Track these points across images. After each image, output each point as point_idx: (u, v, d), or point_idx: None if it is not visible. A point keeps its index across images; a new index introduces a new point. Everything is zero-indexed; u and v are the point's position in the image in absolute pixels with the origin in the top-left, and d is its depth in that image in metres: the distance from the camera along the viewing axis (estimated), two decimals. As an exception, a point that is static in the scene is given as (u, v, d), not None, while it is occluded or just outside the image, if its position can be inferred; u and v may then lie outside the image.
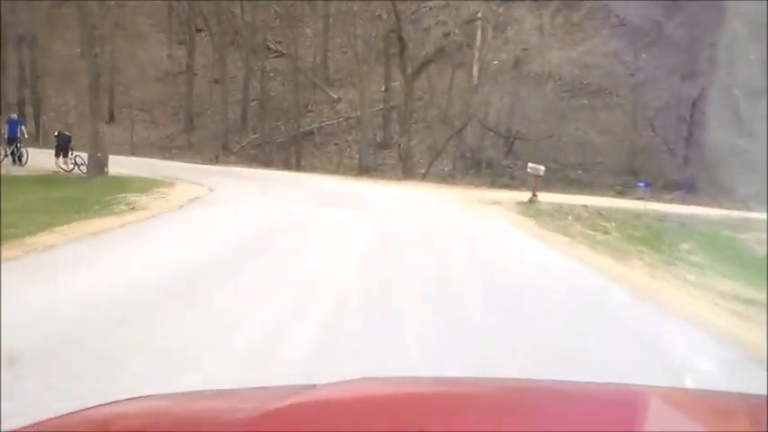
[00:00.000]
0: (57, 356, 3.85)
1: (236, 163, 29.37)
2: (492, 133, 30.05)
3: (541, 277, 7.55)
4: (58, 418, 1.12)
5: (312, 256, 7.96)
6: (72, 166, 19.35)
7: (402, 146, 28.15)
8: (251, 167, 27.47)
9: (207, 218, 11.29)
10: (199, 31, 36.16)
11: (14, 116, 21.94)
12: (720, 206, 18.88)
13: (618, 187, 28.64)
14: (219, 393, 1.48)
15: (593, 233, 12.59)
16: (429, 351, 4.34)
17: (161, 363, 3.86)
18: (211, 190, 15.91)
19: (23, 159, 19.70)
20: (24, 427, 1.07)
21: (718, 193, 20.31)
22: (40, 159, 19.70)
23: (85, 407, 1.16)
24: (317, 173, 27.56)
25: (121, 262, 7.10)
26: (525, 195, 19.49)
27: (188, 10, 35.34)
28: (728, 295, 7.01)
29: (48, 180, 17.39)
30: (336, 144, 31.38)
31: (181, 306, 5.24)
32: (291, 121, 30.84)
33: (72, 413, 1.14)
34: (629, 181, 27.99)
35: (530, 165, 18.83)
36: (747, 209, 15.60)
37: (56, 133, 20.29)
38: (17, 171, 18.76)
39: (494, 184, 27.49)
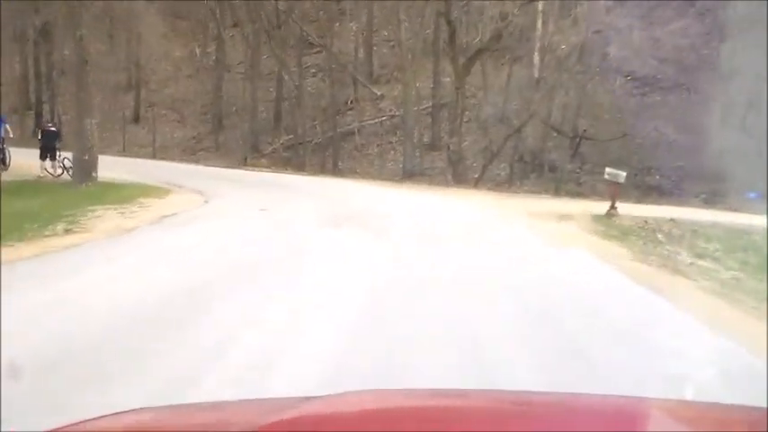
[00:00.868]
0: None
1: (267, 166, 26.32)
2: (555, 134, 26.23)
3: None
4: (53, 430, 1.09)
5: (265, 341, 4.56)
6: (60, 170, 16.53)
7: (452, 147, 24.50)
8: (281, 172, 24.37)
9: (149, 252, 7.99)
10: (234, 25, 33.53)
11: None
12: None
13: (704, 195, 24.91)
14: (216, 406, 1.49)
15: (712, 267, 8.90)
16: None
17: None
18: (206, 202, 12.81)
19: (7, 162, 16.91)
20: None
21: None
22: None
23: (81, 420, 1.13)
24: (355, 178, 24.28)
25: None
26: (598, 206, 16.01)
27: (221, 3, 32.72)
28: None
29: (23, 187, 14.58)
30: (379, 145, 28.01)
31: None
32: (329, 120, 27.57)
33: (66, 426, 1.12)
34: (718, 188, 24.15)
35: (608, 170, 15.12)
36: None
37: (39, 130, 17.22)
38: (-4, 175, 16.03)
39: (558, 191, 23.78)
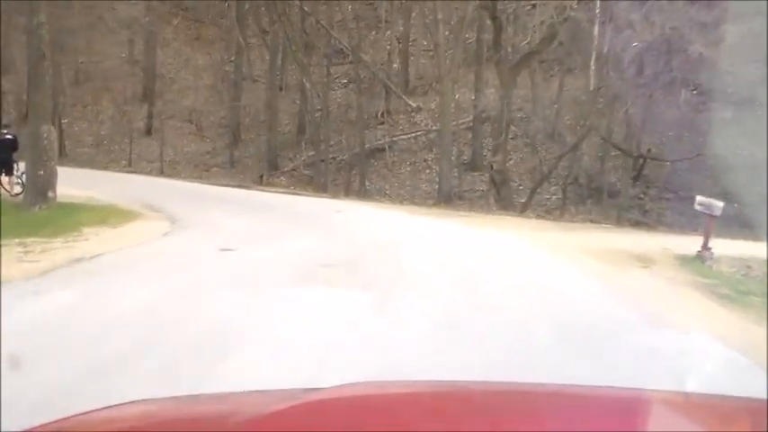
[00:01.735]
0: None
1: (285, 186, 23.37)
2: (615, 152, 22.73)
3: None
4: (54, 422, 1.10)
5: None
6: (20, 187, 13.72)
7: (495, 167, 21.08)
8: (299, 193, 21.31)
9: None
10: (265, 32, 30.94)
11: None
12: None
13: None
14: (218, 397, 1.47)
15: None
16: None
17: None
18: (166, 234, 9.83)
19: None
20: None
21: None
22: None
23: (81, 411, 1.11)
24: (383, 201, 21.10)
25: None
26: (674, 241, 12.91)
27: (251, 10, 30.16)
28: None
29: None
30: (412, 164, 24.86)
31: None
32: (357, 134, 24.48)
33: (67, 417, 1.11)
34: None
35: (699, 198, 11.61)
36: None
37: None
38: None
39: (620, 220, 20.24)
